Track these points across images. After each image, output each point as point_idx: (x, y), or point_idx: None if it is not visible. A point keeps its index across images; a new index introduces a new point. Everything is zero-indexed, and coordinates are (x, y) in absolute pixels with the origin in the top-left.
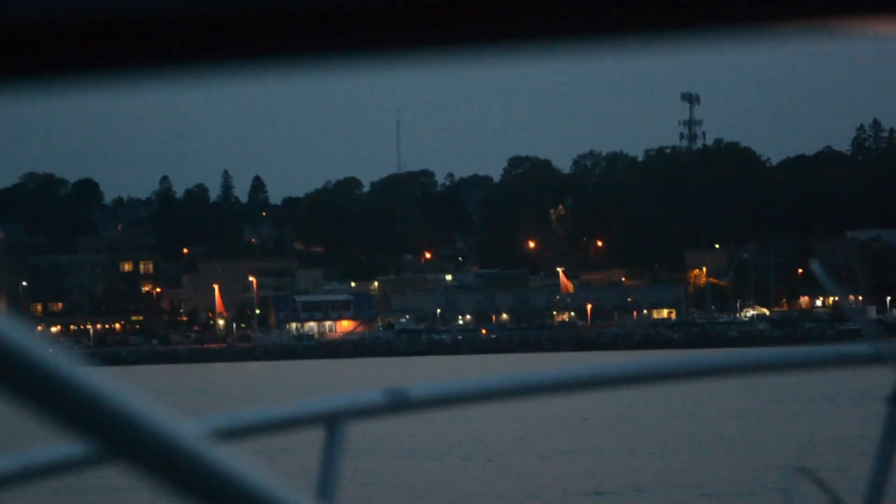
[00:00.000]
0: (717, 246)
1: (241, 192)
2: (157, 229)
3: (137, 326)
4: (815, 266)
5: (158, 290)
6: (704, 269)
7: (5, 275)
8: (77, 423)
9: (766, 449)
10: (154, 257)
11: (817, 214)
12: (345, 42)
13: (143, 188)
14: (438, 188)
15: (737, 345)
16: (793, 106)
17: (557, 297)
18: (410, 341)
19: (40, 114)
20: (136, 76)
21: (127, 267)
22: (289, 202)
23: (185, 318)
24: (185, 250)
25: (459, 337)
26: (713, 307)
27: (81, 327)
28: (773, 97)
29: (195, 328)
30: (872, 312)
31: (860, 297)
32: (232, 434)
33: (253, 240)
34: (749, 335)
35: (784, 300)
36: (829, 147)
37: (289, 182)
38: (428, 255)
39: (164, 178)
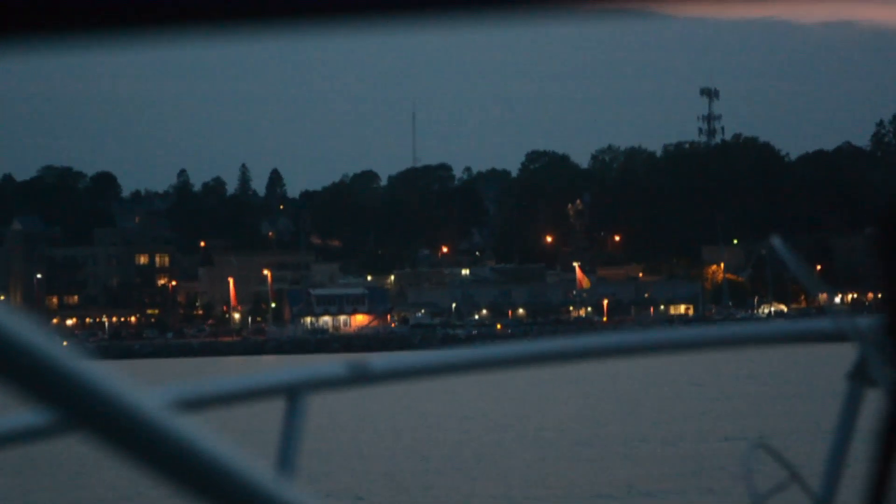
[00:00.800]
0: (734, 241)
1: (259, 185)
2: (175, 222)
3: (153, 320)
4: (777, 242)
5: (174, 283)
6: (722, 264)
7: (21, 267)
8: (38, 392)
9: (726, 423)
10: (170, 250)
11: (836, 210)
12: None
13: (160, 181)
14: (456, 182)
15: None
16: (812, 101)
17: (574, 292)
18: (425, 336)
19: (59, 106)
20: (154, 53)
21: (143, 260)
22: (306, 196)
23: (200, 312)
24: (202, 244)
25: (474, 331)
26: (730, 303)
27: (97, 320)
28: (793, 92)
29: (209, 322)
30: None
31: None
32: (193, 405)
33: (270, 233)
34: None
35: (802, 296)
36: (848, 142)
37: (307, 175)
38: (445, 250)
39: (182, 172)
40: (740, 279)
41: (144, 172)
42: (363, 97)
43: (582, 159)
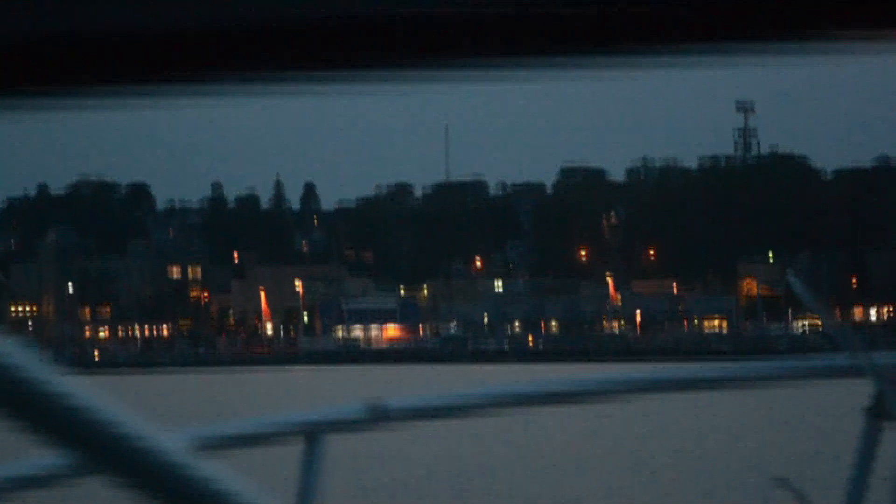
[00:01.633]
0: (770, 256)
1: (293, 198)
2: (208, 235)
3: (185, 332)
4: (793, 279)
5: (206, 295)
6: (756, 279)
7: (54, 279)
8: (59, 434)
9: (745, 461)
10: (203, 262)
11: (872, 226)
12: (394, 56)
13: (195, 194)
14: (490, 196)
15: (786, 354)
16: (849, 116)
17: (608, 306)
18: (456, 349)
19: (95, 119)
20: (194, 88)
21: (175, 272)
22: (340, 209)
23: (232, 324)
24: (236, 256)
25: (506, 345)
26: (765, 317)
27: (129, 332)
28: (830, 107)
29: (241, 334)
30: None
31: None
32: (213, 446)
33: (304, 246)
34: (799, 346)
35: (837, 311)
36: (885, 157)
37: (341, 189)
38: (478, 263)
39: (216, 185)
40: (775, 294)
41: (179, 185)
42: (397, 110)
43: (617, 173)
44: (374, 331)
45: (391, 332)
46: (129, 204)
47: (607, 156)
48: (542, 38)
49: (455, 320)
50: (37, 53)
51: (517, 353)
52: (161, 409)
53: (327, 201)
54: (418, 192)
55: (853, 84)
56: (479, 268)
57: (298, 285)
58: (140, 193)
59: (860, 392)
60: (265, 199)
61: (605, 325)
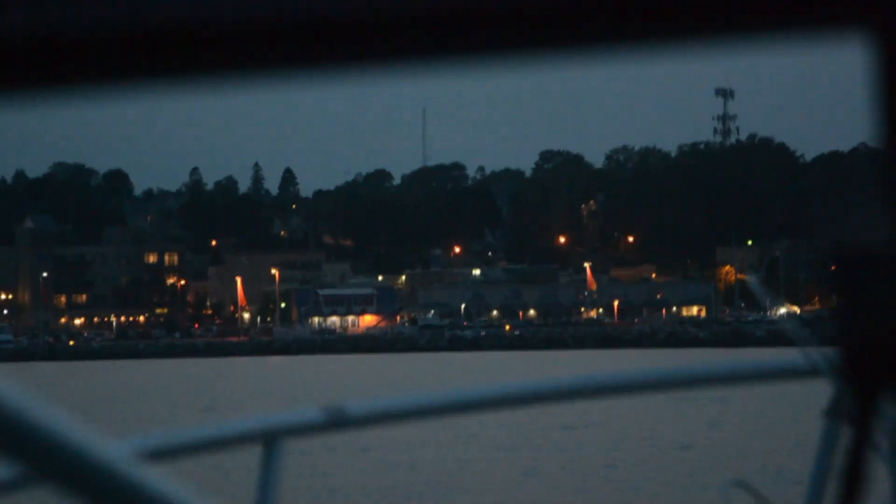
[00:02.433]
0: (749, 243)
1: (272, 184)
2: (187, 221)
3: (161, 319)
4: (752, 280)
5: (183, 282)
6: (734, 266)
7: (30, 266)
8: (4, 444)
9: (703, 463)
10: (179, 249)
11: (851, 212)
12: (370, 50)
13: (173, 180)
14: (469, 182)
15: (763, 344)
16: (828, 101)
17: (585, 294)
18: (432, 337)
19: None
20: (168, 84)
21: (152, 259)
22: (319, 195)
23: (209, 312)
24: (214, 243)
25: (483, 333)
26: (743, 305)
27: (105, 319)
28: (809, 92)
29: (217, 321)
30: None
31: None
32: (166, 454)
33: (283, 232)
34: (776, 334)
35: (816, 298)
36: (864, 143)
37: (320, 175)
38: (457, 250)
39: (195, 170)
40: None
41: (157, 170)
42: (375, 94)
43: (596, 159)
44: (350, 318)
45: (368, 320)
46: (107, 189)
47: (586, 141)
48: (523, 30)
49: (432, 308)
50: (19, 48)
51: (494, 341)
52: (130, 400)
53: (306, 188)
54: (397, 178)
55: (833, 69)
56: (457, 254)
57: (274, 271)
58: (118, 178)
59: (818, 392)
60: (244, 185)
61: (583, 313)
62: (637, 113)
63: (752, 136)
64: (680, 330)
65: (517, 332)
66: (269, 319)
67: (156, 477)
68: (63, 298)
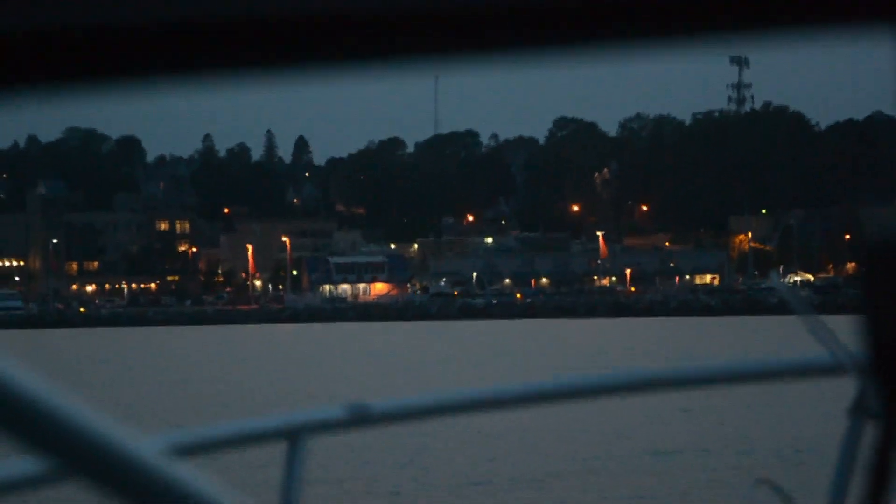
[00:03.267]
0: (763, 211)
1: (285, 152)
2: (199, 188)
3: (173, 287)
4: (776, 281)
5: (194, 249)
6: (749, 234)
7: (41, 232)
8: (34, 439)
9: (726, 460)
10: (191, 216)
11: (866, 180)
12: (388, 46)
13: (185, 147)
14: (482, 149)
15: (775, 312)
16: (843, 69)
17: (598, 262)
18: (443, 305)
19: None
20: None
21: (163, 226)
22: (332, 163)
23: (221, 279)
24: (226, 210)
25: (494, 301)
26: (756, 273)
27: (117, 287)
28: (824, 60)
29: (228, 290)
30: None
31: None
32: (192, 450)
33: (295, 200)
34: (791, 302)
35: (830, 266)
36: (879, 111)
37: (333, 142)
38: (470, 218)
39: (207, 137)
40: (768, 248)
41: (169, 137)
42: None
43: (610, 127)
44: (361, 286)
45: (379, 288)
46: (119, 155)
47: (600, 109)
48: (537, 25)
49: (444, 277)
50: (35, 46)
51: (504, 309)
52: (140, 367)
53: (319, 155)
54: (410, 145)
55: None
56: (470, 222)
57: (285, 239)
58: (130, 145)
59: (843, 390)
60: (256, 152)
61: (595, 282)
62: (651, 81)
63: (766, 105)
64: (692, 298)
65: (528, 301)
66: (280, 287)
67: (185, 473)
68: (74, 265)
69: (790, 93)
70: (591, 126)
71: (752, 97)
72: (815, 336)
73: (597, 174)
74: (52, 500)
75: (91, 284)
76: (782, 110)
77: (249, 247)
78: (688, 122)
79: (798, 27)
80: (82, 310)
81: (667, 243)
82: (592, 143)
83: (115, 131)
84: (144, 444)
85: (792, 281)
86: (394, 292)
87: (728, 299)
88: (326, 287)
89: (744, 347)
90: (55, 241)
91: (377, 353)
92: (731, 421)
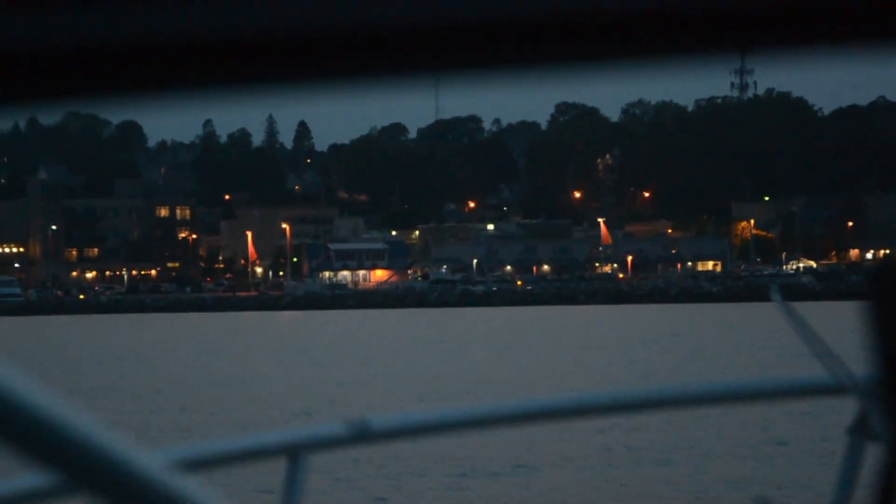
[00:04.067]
0: (766, 198)
1: (286, 137)
2: (200, 174)
3: (173, 273)
4: (776, 296)
5: (194, 236)
6: (752, 221)
7: (41, 219)
8: (40, 453)
9: (723, 479)
10: (191, 203)
11: (869, 167)
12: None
13: (186, 132)
14: (485, 135)
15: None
16: (848, 54)
17: (600, 249)
18: (443, 292)
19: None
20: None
21: (163, 212)
22: (334, 149)
23: (221, 266)
24: (226, 197)
25: (494, 288)
26: (758, 259)
27: (117, 273)
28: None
29: (228, 276)
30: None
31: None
32: (193, 465)
33: (296, 187)
34: (791, 288)
35: (832, 253)
36: (882, 97)
37: (335, 128)
38: (472, 204)
39: (208, 122)
40: (770, 235)
41: (170, 121)
42: None
43: (612, 112)
44: (361, 273)
45: (379, 275)
46: (120, 140)
47: (602, 94)
48: (538, 39)
49: (445, 263)
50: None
51: (505, 296)
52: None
53: (321, 141)
54: (413, 131)
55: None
56: (472, 208)
57: (284, 226)
58: (131, 130)
59: (843, 409)
60: (257, 138)
61: (597, 268)
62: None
63: (769, 91)
64: (693, 285)
65: (529, 288)
66: (281, 274)
67: (189, 487)
68: (74, 252)
69: (793, 79)
70: (593, 111)
71: (755, 83)
72: (816, 356)
73: (599, 160)
74: None
75: (91, 271)
76: (785, 96)
77: (249, 233)
78: (690, 108)
79: (811, 44)
80: (82, 297)
81: (669, 230)
82: (594, 128)
83: (116, 116)
84: (149, 458)
85: (794, 268)
86: (394, 279)
87: (730, 286)
88: (326, 274)
89: (738, 336)
90: (54, 228)
91: (349, 354)
92: (728, 437)
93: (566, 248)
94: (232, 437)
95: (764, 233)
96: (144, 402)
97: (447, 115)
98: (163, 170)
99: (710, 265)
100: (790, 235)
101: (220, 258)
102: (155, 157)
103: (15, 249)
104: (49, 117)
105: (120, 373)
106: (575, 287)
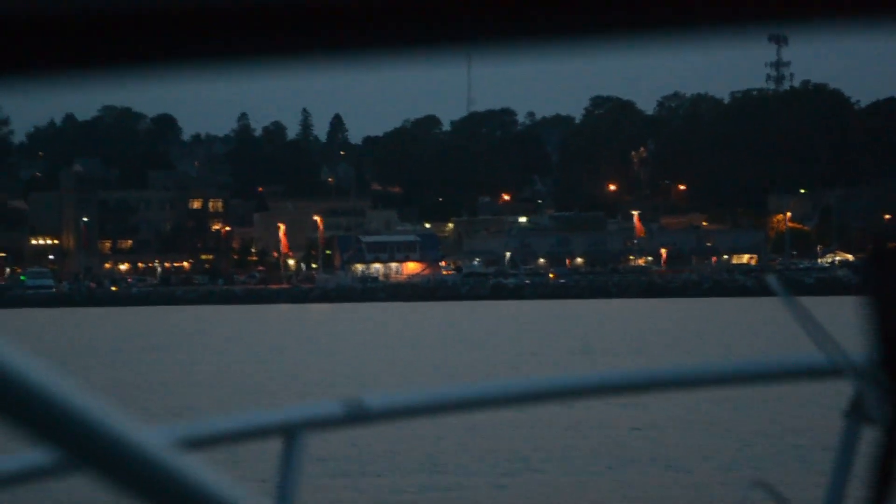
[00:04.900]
0: (802, 191)
1: (321, 130)
2: (234, 167)
3: (206, 266)
4: (774, 283)
5: (227, 228)
6: (788, 213)
7: (75, 209)
8: (41, 431)
9: (722, 462)
10: (224, 195)
11: None
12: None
13: (221, 125)
14: (518, 128)
15: (813, 292)
16: (884, 46)
17: (634, 241)
18: (475, 285)
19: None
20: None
21: (196, 204)
22: (368, 141)
23: (254, 258)
24: (260, 189)
25: (526, 281)
26: (794, 253)
27: (150, 265)
28: (864, 37)
29: (260, 269)
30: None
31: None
32: (192, 444)
33: (330, 179)
34: (827, 282)
35: (869, 247)
36: None
37: (369, 121)
38: (506, 197)
39: (243, 115)
40: (806, 228)
41: (205, 115)
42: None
43: (647, 105)
44: (393, 266)
45: (411, 267)
46: (155, 133)
47: (637, 87)
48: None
49: (478, 256)
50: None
51: (537, 289)
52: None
53: (355, 134)
54: (446, 124)
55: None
56: (506, 201)
57: (317, 218)
58: (166, 123)
59: (840, 392)
60: (292, 131)
61: (630, 261)
62: (689, 59)
63: (805, 83)
64: (727, 278)
65: (561, 281)
66: (313, 266)
67: (189, 464)
68: (108, 244)
69: (829, 71)
70: (628, 104)
71: (791, 75)
72: (812, 339)
73: (633, 153)
74: (60, 491)
75: (124, 263)
76: (821, 88)
77: (281, 225)
78: (726, 100)
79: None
80: (114, 288)
81: (703, 223)
82: (629, 121)
83: (151, 110)
84: (149, 435)
85: (831, 261)
86: (426, 271)
87: (764, 279)
88: (358, 266)
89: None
90: (87, 220)
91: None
92: (726, 420)
93: (600, 241)
94: (229, 417)
95: (800, 226)
96: (157, 392)
97: (481, 108)
98: (196, 162)
99: (745, 258)
100: (827, 228)
101: (253, 250)
102: (189, 150)
103: (49, 241)
104: (83, 110)
105: (144, 365)
106: (607, 280)
